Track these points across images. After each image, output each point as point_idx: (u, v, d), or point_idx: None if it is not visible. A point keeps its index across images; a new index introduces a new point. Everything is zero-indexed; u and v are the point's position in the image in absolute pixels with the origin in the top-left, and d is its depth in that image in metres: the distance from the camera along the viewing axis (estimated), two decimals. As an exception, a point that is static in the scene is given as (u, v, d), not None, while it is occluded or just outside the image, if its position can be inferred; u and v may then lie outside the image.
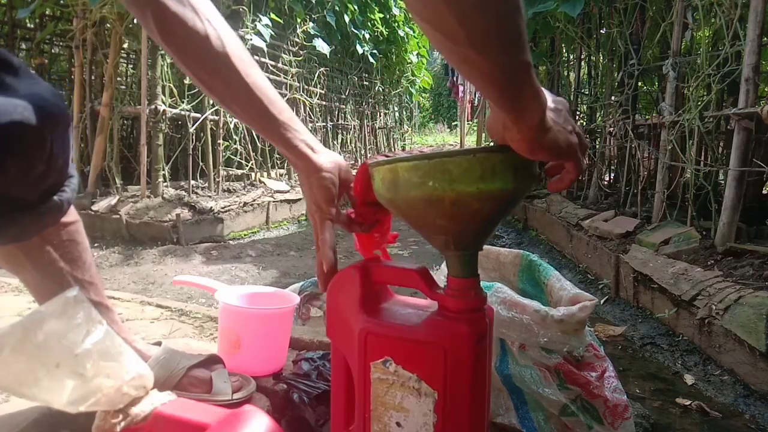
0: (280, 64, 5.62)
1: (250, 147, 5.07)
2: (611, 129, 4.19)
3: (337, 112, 7.51)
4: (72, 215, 0.93)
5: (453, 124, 19.70)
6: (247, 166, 5.07)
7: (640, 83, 3.92)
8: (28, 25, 5.14)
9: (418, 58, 10.14)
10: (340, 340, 0.82)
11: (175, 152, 4.68)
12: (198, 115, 4.27)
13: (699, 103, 2.92)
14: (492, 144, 0.69)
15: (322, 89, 6.74)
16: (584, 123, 5.03)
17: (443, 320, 0.75)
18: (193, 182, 4.33)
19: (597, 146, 4.62)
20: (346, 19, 6.58)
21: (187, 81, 4.16)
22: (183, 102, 4.12)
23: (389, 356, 0.76)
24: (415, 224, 0.76)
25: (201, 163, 4.50)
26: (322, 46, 6.00)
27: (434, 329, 0.74)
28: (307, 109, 6.27)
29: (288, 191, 5.29)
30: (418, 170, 0.68)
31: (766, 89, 4.43)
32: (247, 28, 4.73)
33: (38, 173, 0.75)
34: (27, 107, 0.71)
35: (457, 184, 0.66)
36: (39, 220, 0.79)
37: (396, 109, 10.33)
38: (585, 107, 5.28)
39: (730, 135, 2.93)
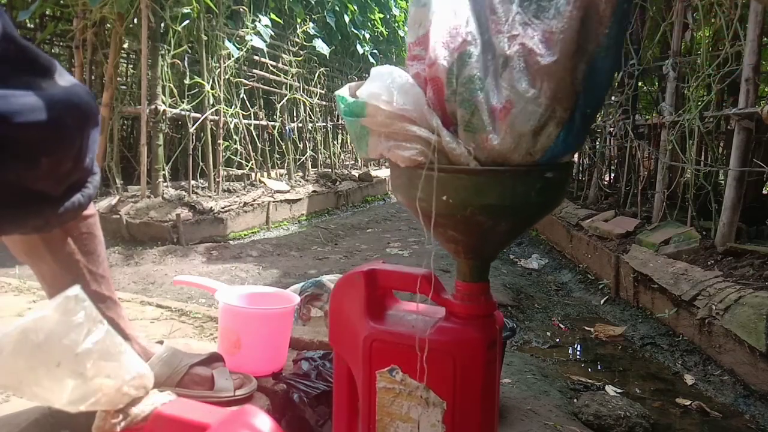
0: (280, 64, 5.62)
1: (250, 147, 5.07)
2: (611, 129, 4.19)
3: (337, 112, 7.51)
4: (90, 208, 0.93)
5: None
6: (247, 166, 5.07)
7: (640, 83, 3.92)
8: (29, 25, 5.14)
9: (418, 58, 10.13)
10: (344, 347, 0.79)
11: (175, 152, 4.68)
12: (198, 115, 4.27)
13: (699, 103, 2.92)
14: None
15: (322, 89, 6.74)
16: (584, 123, 5.02)
17: (452, 326, 0.72)
18: (193, 182, 4.33)
19: (597, 146, 4.62)
20: (346, 19, 6.58)
21: (187, 81, 4.17)
22: (183, 102, 4.12)
23: (396, 364, 0.73)
24: (427, 227, 0.75)
25: (201, 163, 4.50)
26: (321, 47, 6.00)
27: (443, 336, 0.71)
28: (307, 109, 6.27)
29: (288, 191, 5.29)
30: (431, 182, 0.66)
31: (766, 89, 4.43)
32: (247, 28, 4.73)
33: (66, 170, 0.76)
34: (64, 105, 0.71)
35: (472, 204, 0.64)
36: (62, 214, 0.80)
37: (396, 109, 10.33)
38: (585, 107, 5.27)
39: (730, 135, 2.93)
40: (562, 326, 2.57)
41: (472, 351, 0.69)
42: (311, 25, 5.85)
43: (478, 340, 0.69)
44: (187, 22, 4.03)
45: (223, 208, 4.14)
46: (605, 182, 4.77)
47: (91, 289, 0.95)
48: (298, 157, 6.12)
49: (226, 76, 4.61)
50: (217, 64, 4.47)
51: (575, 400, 1.72)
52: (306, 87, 6.23)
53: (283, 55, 5.70)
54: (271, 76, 5.47)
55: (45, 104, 0.69)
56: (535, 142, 0.64)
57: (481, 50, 0.66)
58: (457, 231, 0.69)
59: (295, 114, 6.07)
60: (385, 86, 0.67)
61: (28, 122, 0.66)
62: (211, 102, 4.43)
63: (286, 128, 5.79)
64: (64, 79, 0.77)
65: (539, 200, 0.66)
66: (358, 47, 7.05)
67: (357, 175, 7.33)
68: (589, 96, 0.64)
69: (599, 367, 2.14)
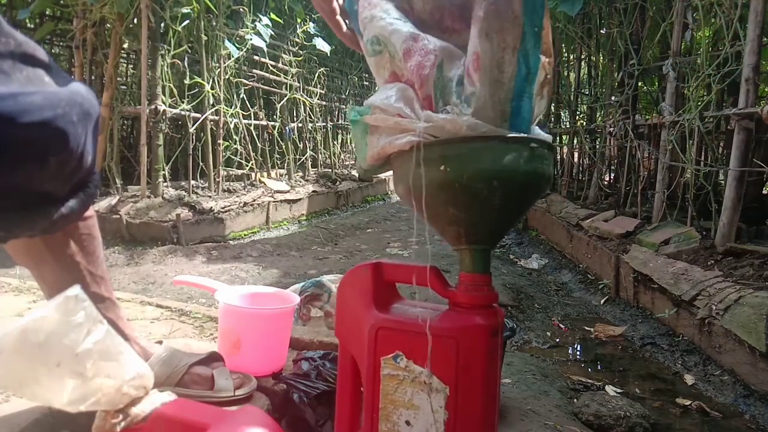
0: (280, 64, 5.62)
1: (250, 147, 5.07)
2: (611, 129, 4.19)
3: (337, 112, 7.51)
4: (89, 209, 0.93)
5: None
6: (247, 166, 5.07)
7: (640, 83, 3.92)
8: (28, 25, 5.14)
9: (418, 58, 10.14)
10: (349, 338, 0.81)
11: (175, 152, 4.68)
12: (198, 115, 4.27)
13: (699, 103, 2.92)
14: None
15: (322, 89, 6.74)
16: (584, 123, 5.03)
17: (455, 314, 0.75)
18: (193, 182, 4.33)
19: (597, 146, 4.62)
20: (346, 19, 6.56)
21: (187, 81, 4.17)
22: (183, 102, 4.12)
23: (400, 351, 0.75)
24: (428, 213, 0.76)
25: (201, 163, 4.50)
26: (322, 45, 6.00)
27: (447, 322, 0.73)
28: (307, 109, 6.27)
29: (288, 191, 5.29)
30: (432, 153, 0.70)
31: (766, 89, 4.43)
32: (247, 28, 4.73)
33: (71, 169, 0.75)
34: (68, 103, 0.71)
35: (467, 170, 0.68)
36: (67, 214, 0.79)
37: (396, 109, 10.33)
38: (585, 107, 5.29)
39: (730, 135, 2.94)
40: (562, 326, 2.57)
41: (476, 336, 0.71)
42: (311, 24, 5.85)
43: (481, 327, 0.72)
44: (187, 22, 4.03)
45: (223, 208, 4.14)
46: (605, 182, 4.77)
47: (90, 290, 0.95)
48: (298, 157, 6.12)
49: (226, 76, 4.61)
50: (217, 64, 4.47)
51: (575, 400, 1.72)
52: (306, 87, 6.23)
53: (283, 55, 5.70)
54: (271, 76, 5.47)
55: (51, 102, 0.68)
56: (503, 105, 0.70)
57: (449, 53, 0.76)
58: (456, 206, 0.72)
59: (295, 114, 6.07)
60: (387, 93, 0.77)
61: (36, 121, 0.66)
62: (211, 102, 4.43)
63: (286, 128, 5.79)
64: (60, 76, 0.77)
65: (528, 169, 0.70)
66: (358, 47, 7.03)
67: (357, 175, 7.33)
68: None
69: (599, 367, 2.14)
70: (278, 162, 5.80)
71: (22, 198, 0.71)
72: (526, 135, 0.72)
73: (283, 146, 5.81)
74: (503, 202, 0.72)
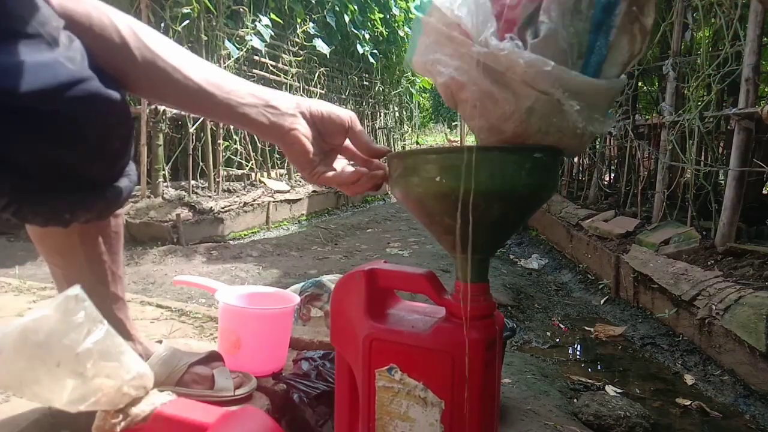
0: (280, 64, 5.62)
1: (250, 147, 5.07)
2: (611, 129, 4.19)
3: (337, 112, 7.50)
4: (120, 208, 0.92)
5: (453, 124, 19.68)
6: (247, 166, 5.07)
7: (640, 83, 3.92)
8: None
9: (418, 58, 10.13)
10: (345, 346, 0.80)
11: (175, 152, 4.68)
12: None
13: (699, 103, 2.92)
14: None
15: (322, 89, 6.74)
16: (584, 123, 5.02)
17: (451, 326, 0.72)
18: (193, 182, 4.33)
19: (597, 146, 4.62)
20: (346, 19, 6.57)
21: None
22: (183, 102, 4.12)
23: (395, 363, 0.74)
24: (424, 221, 0.74)
25: (201, 163, 4.50)
26: (322, 46, 6.00)
27: (441, 336, 0.71)
28: (307, 109, 6.26)
29: (288, 191, 5.29)
30: (427, 164, 0.67)
31: (766, 89, 4.43)
32: (247, 28, 4.73)
33: (115, 149, 0.73)
34: (112, 80, 0.68)
35: (464, 182, 0.64)
36: (117, 198, 0.77)
37: (396, 109, 10.32)
38: (585, 107, 5.28)
39: (730, 135, 2.93)
40: (562, 326, 2.57)
41: (471, 351, 0.69)
42: (311, 24, 5.85)
43: (476, 341, 0.69)
44: (187, 22, 4.03)
45: (223, 208, 4.14)
46: (605, 182, 4.77)
47: (110, 289, 0.94)
48: (298, 157, 6.11)
49: (226, 76, 4.61)
50: (217, 64, 4.46)
51: (575, 400, 1.72)
52: (306, 87, 6.23)
53: (283, 55, 5.70)
54: (271, 76, 5.47)
55: (93, 76, 0.64)
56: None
57: None
58: (452, 217, 0.67)
59: (295, 114, 6.06)
60: None
61: (78, 96, 0.62)
62: (211, 102, 4.42)
63: (286, 128, 5.79)
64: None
65: (529, 182, 0.65)
66: (358, 47, 7.04)
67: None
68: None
69: (599, 367, 2.14)
70: (278, 162, 5.80)
71: (76, 180, 0.70)
72: (528, 145, 0.65)
73: (283, 146, 5.81)
74: (502, 215, 0.68)
